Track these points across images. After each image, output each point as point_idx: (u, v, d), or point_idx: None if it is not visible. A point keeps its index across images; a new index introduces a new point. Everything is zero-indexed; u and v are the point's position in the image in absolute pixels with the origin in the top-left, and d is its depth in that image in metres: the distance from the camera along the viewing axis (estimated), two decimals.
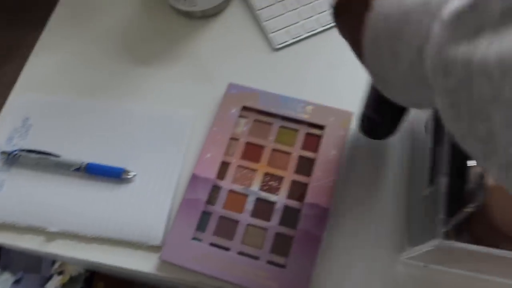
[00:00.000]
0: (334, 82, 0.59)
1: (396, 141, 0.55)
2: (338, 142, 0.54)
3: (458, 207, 0.33)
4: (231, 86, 0.58)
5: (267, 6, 0.64)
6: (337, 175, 0.52)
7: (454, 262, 0.47)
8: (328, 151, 0.54)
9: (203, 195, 0.52)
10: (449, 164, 0.34)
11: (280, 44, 0.62)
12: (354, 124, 0.56)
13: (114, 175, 0.54)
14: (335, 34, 0.64)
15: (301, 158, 0.54)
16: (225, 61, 0.62)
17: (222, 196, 0.53)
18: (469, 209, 0.32)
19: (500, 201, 0.30)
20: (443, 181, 0.34)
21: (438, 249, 0.35)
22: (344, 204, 0.52)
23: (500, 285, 0.47)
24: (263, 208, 0.52)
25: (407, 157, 0.54)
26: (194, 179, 0.53)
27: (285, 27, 0.63)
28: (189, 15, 0.65)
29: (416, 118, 0.54)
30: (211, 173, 0.53)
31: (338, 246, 0.50)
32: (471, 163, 0.32)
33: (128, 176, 0.54)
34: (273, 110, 0.56)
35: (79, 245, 0.52)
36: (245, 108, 0.57)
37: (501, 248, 0.32)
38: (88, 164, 0.54)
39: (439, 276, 0.48)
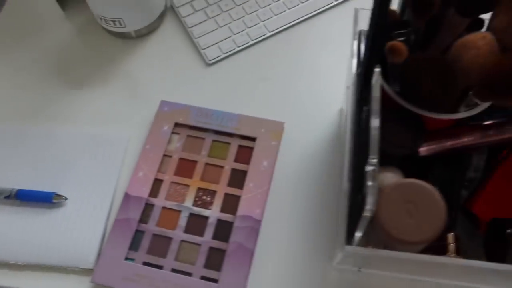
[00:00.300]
0: (265, 94, 0.60)
1: (327, 150, 0.56)
2: (269, 153, 0.55)
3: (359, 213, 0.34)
4: (163, 104, 0.59)
5: (199, 23, 0.65)
6: (268, 185, 0.53)
7: (383, 265, 0.48)
8: (259, 163, 0.54)
9: (136, 214, 0.52)
10: (351, 171, 0.35)
11: (212, 59, 0.63)
12: (286, 134, 0.57)
13: (45, 200, 0.53)
14: (265, 47, 0.66)
15: (233, 170, 0.55)
16: (159, 79, 0.63)
17: (155, 214, 0.52)
18: (366, 214, 0.33)
19: (386, 205, 0.30)
20: (344, 187, 0.34)
21: (348, 255, 0.36)
22: (276, 215, 0.53)
23: (431, 285, 0.48)
24: (196, 223, 0.52)
25: (338, 165, 0.55)
26: (127, 198, 0.53)
27: (217, 43, 0.63)
28: (123, 36, 0.66)
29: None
30: (143, 191, 0.53)
31: (272, 257, 0.50)
32: (368, 168, 0.33)
33: (60, 201, 0.53)
34: (205, 125, 0.57)
35: (11, 273, 0.51)
36: (177, 125, 0.57)
37: (399, 250, 0.33)
38: (18, 190, 0.53)
39: (372, 279, 0.49)
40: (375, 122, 0.34)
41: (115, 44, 0.66)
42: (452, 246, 0.40)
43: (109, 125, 0.59)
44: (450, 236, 0.40)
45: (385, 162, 0.40)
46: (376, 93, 0.35)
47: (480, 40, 0.34)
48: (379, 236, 0.34)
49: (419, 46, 0.39)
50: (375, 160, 0.32)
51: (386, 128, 0.37)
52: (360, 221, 0.33)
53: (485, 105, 0.39)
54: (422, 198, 0.30)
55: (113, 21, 0.62)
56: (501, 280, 0.40)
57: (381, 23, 0.34)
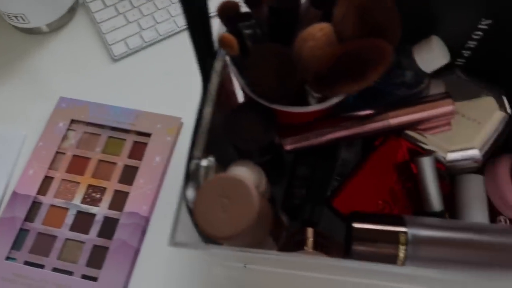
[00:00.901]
0: (167, 90, 0.59)
1: None
2: (163, 149, 0.54)
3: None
4: (61, 100, 0.57)
5: (109, 19, 0.64)
6: (160, 181, 0.52)
7: (263, 261, 0.47)
8: (152, 158, 0.53)
9: (21, 213, 0.51)
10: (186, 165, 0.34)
11: (118, 55, 0.62)
12: (185, 130, 0.56)
13: None
14: (173, 43, 0.65)
15: (126, 167, 0.53)
16: (64, 75, 0.62)
17: (42, 212, 0.51)
18: (180, 207, 0.32)
19: (201, 200, 0.29)
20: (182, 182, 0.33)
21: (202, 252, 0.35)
22: (167, 211, 0.51)
23: (313, 279, 0.48)
24: (83, 221, 0.51)
25: None
26: (14, 197, 0.52)
27: (125, 38, 0.62)
28: (32, 32, 0.64)
29: None
30: (32, 189, 0.52)
31: (159, 254, 0.49)
32: (192, 162, 0.32)
33: None
34: (102, 121, 0.56)
35: None
36: (74, 121, 0.56)
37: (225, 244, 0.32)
38: None
39: (257, 275, 0.48)
40: (206, 112, 0.34)
41: (23, 40, 0.64)
42: (310, 241, 0.39)
43: (6, 122, 0.58)
44: (309, 230, 0.39)
45: (248, 157, 0.39)
46: (212, 85, 0.35)
47: (318, 32, 0.33)
48: None
49: (273, 38, 0.38)
50: (198, 154, 0.32)
51: (237, 122, 0.37)
52: (175, 212, 0.32)
53: (337, 98, 0.38)
54: (236, 192, 0.29)
55: (15, 17, 0.61)
56: (359, 273, 0.39)
57: (199, 14, 0.33)
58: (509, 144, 0.42)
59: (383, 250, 0.35)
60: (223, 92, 0.39)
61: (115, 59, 0.62)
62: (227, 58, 0.38)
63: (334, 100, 0.37)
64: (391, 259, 0.35)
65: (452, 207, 0.42)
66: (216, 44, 0.36)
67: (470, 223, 0.40)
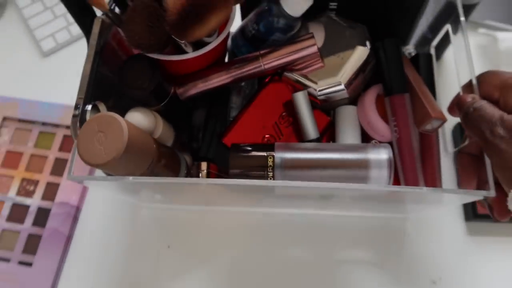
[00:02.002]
0: None
1: None
2: None
3: None
4: None
5: (37, 14, 0.66)
6: (88, 172, 0.56)
7: (177, 199, 0.54)
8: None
9: None
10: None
11: (47, 50, 0.64)
12: None
13: None
14: None
15: (57, 160, 0.57)
16: None
17: None
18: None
19: (82, 135, 0.35)
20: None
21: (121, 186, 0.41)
22: (95, 199, 0.56)
23: (224, 213, 0.55)
24: (18, 212, 0.55)
25: None
26: None
27: (53, 33, 0.64)
28: None
29: None
30: None
31: (90, 240, 0.54)
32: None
33: None
34: (32, 117, 0.59)
35: None
36: (6, 118, 0.59)
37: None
38: None
39: (178, 214, 0.55)
40: (87, 64, 0.39)
41: None
42: (204, 172, 0.45)
43: None
44: (203, 164, 0.46)
45: (144, 104, 0.44)
46: (92, 40, 0.40)
47: None
48: None
49: None
50: (80, 99, 0.38)
51: (126, 73, 0.42)
52: (72, 151, 0.39)
53: (210, 45, 0.42)
54: (110, 127, 0.35)
55: None
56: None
57: None
58: (378, 77, 0.48)
59: (255, 173, 0.41)
60: (117, 47, 0.44)
61: (45, 55, 0.64)
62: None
63: (206, 49, 0.42)
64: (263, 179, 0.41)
65: (333, 137, 0.50)
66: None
67: (331, 144, 0.48)
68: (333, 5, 0.48)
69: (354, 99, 0.49)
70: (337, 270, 0.52)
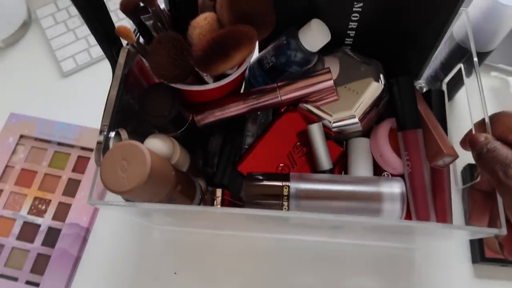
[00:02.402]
0: None
1: None
2: None
3: None
4: (11, 116, 0.61)
5: (59, 35, 0.68)
6: (101, 194, 0.57)
7: (188, 223, 0.54)
8: (93, 172, 0.57)
9: None
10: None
11: (67, 71, 0.65)
12: None
13: None
14: None
15: (70, 180, 0.58)
16: (15, 91, 0.65)
17: None
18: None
19: (106, 163, 0.36)
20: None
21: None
22: (108, 220, 0.56)
23: (235, 237, 0.55)
24: (29, 231, 0.55)
25: None
26: None
27: (74, 55, 0.66)
28: None
29: None
30: None
31: (98, 262, 0.54)
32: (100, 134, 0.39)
33: None
34: (48, 136, 0.60)
35: None
36: (23, 136, 0.60)
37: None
38: None
39: (189, 236, 0.55)
40: (112, 92, 0.41)
41: None
42: (218, 199, 0.45)
43: None
44: (218, 191, 0.46)
45: (164, 131, 0.45)
46: (118, 68, 0.42)
47: (202, 21, 0.39)
48: None
49: (175, 27, 0.43)
50: (104, 127, 0.39)
51: (148, 101, 0.43)
52: (93, 176, 0.40)
53: (230, 77, 0.43)
54: (133, 155, 0.35)
55: None
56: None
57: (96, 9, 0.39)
58: (391, 111, 0.49)
59: (270, 202, 0.42)
60: (140, 75, 0.46)
61: (65, 75, 0.66)
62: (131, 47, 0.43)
63: (226, 80, 0.43)
64: (278, 209, 0.41)
65: (345, 168, 0.50)
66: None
67: (344, 176, 0.48)
68: (348, 41, 0.49)
69: (367, 132, 0.50)
70: None
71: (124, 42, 0.43)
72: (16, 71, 0.67)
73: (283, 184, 0.41)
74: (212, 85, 0.43)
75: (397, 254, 0.54)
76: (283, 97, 0.46)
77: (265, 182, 0.42)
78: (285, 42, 0.46)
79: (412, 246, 0.54)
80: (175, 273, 0.53)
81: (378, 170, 0.50)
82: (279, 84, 0.46)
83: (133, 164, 0.35)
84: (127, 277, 0.53)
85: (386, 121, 0.49)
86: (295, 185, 0.41)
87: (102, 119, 0.40)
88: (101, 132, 0.39)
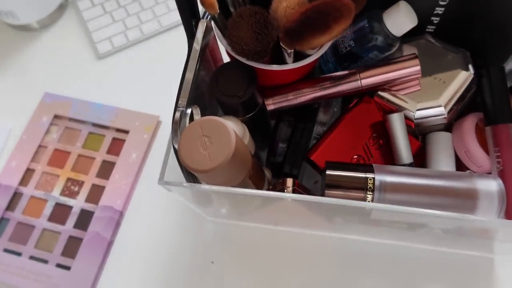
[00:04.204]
0: (148, 89, 0.61)
1: None
2: (140, 146, 0.56)
3: None
4: (46, 95, 0.60)
5: (96, 17, 0.66)
6: (135, 177, 0.54)
7: (246, 217, 0.51)
8: (129, 154, 0.55)
9: (3, 202, 0.53)
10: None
11: (103, 53, 0.64)
12: (163, 127, 0.58)
13: None
14: (156, 42, 0.68)
15: (104, 162, 0.56)
16: (51, 71, 0.64)
17: (23, 202, 0.54)
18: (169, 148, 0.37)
19: (185, 140, 0.33)
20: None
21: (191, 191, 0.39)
22: (142, 205, 0.54)
23: (292, 235, 0.51)
24: (60, 212, 0.53)
25: None
26: None
27: (110, 37, 0.65)
28: (23, 29, 0.67)
29: None
30: (13, 180, 0.54)
31: (131, 247, 0.51)
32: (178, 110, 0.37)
33: None
34: (83, 117, 0.58)
35: None
36: (57, 116, 0.59)
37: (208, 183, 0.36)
38: None
39: (243, 230, 0.52)
40: (190, 67, 0.38)
41: (14, 37, 0.67)
42: (289, 189, 0.42)
43: None
44: (289, 180, 0.42)
45: (233, 113, 0.42)
46: (196, 42, 0.39)
47: None
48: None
49: (254, 1, 0.40)
50: (183, 102, 0.37)
51: (221, 79, 0.41)
52: (165, 155, 0.37)
53: (312, 57, 0.40)
54: (216, 132, 0.33)
55: (6, 13, 0.63)
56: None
57: None
58: (476, 105, 0.45)
59: (352, 194, 0.38)
60: (209, 54, 0.43)
61: (100, 57, 0.64)
62: (211, 20, 0.41)
63: (307, 60, 0.40)
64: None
65: (423, 164, 0.46)
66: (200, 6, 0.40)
67: (431, 170, 0.44)
68: (430, 28, 0.46)
69: (447, 126, 0.46)
70: None
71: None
72: (51, 52, 0.65)
73: (368, 175, 0.38)
74: (292, 65, 0.40)
75: (473, 263, 0.49)
76: (364, 82, 0.43)
77: (348, 173, 0.39)
78: (367, 25, 0.43)
79: (490, 255, 0.49)
80: (212, 262, 0.50)
81: (459, 168, 0.45)
82: (359, 69, 0.43)
83: (217, 141, 0.32)
84: (161, 264, 0.50)
85: (472, 115, 0.45)
86: (380, 177, 0.38)
87: (179, 94, 0.37)
88: (177, 108, 0.36)
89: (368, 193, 0.37)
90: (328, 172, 0.39)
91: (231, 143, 0.32)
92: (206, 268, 0.50)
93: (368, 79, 0.43)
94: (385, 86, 0.44)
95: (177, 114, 0.36)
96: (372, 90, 0.45)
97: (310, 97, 0.44)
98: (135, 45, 0.65)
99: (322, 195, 0.38)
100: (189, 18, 0.39)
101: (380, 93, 0.45)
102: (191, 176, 0.38)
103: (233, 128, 0.38)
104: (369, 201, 0.37)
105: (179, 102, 0.37)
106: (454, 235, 0.45)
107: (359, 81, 0.43)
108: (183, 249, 0.51)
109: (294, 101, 0.44)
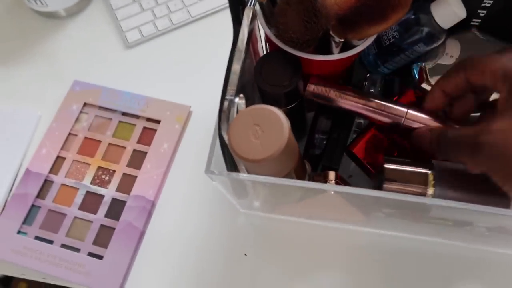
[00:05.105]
0: (178, 78, 0.61)
1: None
2: (171, 136, 0.55)
3: None
4: (75, 84, 0.59)
5: (124, 6, 0.65)
6: (166, 167, 0.54)
7: (282, 209, 0.51)
8: (160, 145, 0.55)
9: (34, 190, 0.53)
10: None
11: (132, 42, 0.63)
12: (194, 118, 0.57)
13: None
14: (186, 32, 0.67)
15: (135, 151, 0.55)
16: (79, 59, 0.63)
17: (54, 190, 0.53)
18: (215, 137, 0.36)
19: (235, 128, 0.32)
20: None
21: (232, 181, 0.38)
22: (173, 195, 0.53)
23: (326, 229, 0.50)
24: (91, 201, 0.53)
25: None
26: (27, 174, 0.54)
27: (139, 26, 0.64)
28: (51, 16, 0.66)
29: None
30: (44, 168, 0.54)
31: (163, 238, 0.51)
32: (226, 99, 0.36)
33: None
34: (113, 106, 0.57)
35: None
36: (86, 105, 0.58)
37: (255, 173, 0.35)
38: None
39: (276, 223, 0.51)
40: (236, 59, 0.37)
41: (42, 24, 0.66)
42: (331, 182, 0.42)
43: (22, 103, 0.60)
44: (331, 173, 0.42)
45: (274, 104, 0.40)
46: (243, 30, 0.38)
47: None
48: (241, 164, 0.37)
49: None
50: (232, 91, 0.35)
51: (265, 69, 0.40)
52: (211, 144, 0.36)
53: (359, 47, 0.39)
54: (268, 121, 0.32)
55: (34, 0, 0.62)
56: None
57: None
58: None
59: (412, 190, 0.37)
60: (249, 45, 0.42)
61: (129, 46, 0.64)
62: (256, 7, 0.40)
63: (354, 51, 0.39)
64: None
65: None
66: None
67: None
68: (475, 21, 0.45)
69: None
70: None
71: None
72: (80, 40, 0.65)
73: (430, 171, 0.37)
74: (339, 56, 0.39)
75: None
76: (405, 122, 0.40)
77: (408, 168, 0.38)
78: (413, 16, 0.42)
79: None
80: (245, 254, 0.49)
81: None
82: (410, 106, 0.40)
83: (269, 131, 0.31)
84: (194, 255, 0.50)
85: None
86: (441, 173, 0.37)
87: (229, 82, 0.36)
88: (224, 96, 0.35)
89: (428, 188, 0.36)
90: (386, 166, 0.38)
91: (284, 132, 0.31)
92: (239, 261, 0.49)
93: (412, 122, 0.40)
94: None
95: (226, 103, 0.36)
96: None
97: (348, 106, 0.42)
98: (164, 35, 0.64)
99: (380, 189, 0.37)
100: (237, 3, 0.38)
101: (423, 86, 0.44)
102: (233, 167, 0.38)
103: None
104: (430, 197, 0.36)
105: (227, 90, 0.36)
106: (497, 233, 0.44)
107: (402, 119, 0.40)
108: (216, 240, 0.51)
109: (334, 101, 0.42)
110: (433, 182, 0.36)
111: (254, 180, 0.36)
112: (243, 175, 0.36)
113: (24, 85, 0.62)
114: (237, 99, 0.36)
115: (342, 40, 0.38)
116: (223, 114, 0.35)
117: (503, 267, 0.48)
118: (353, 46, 0.40)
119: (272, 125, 0.32)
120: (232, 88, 0.36)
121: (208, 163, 0.36)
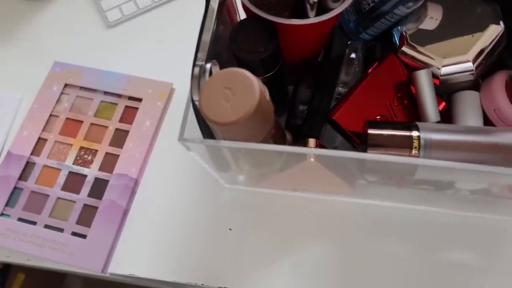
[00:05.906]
0: (160, 56, 0.60)
1: None
2: (153, 113, 0.54)
3: None
4: (55, 64, 0.58)
5: None
6: (149, 145, 0.53)
7: (265, 183, 0.50)
8: (142, 123, 0.54)
9: (16, 172, 0.52)
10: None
11: (113, 21, 0.62)
12: (177, 95, 0.57)
13: None
14: (167, 10, 0.65)
15: (117, 130, 0.54)
16: (59, 39, 0.62)
17: (36, 172, 0.53)
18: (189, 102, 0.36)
19: (206, 92, 0.31)
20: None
21: (210, 151, 0.38)
22: (157, 172, 0.53)
23: (311, 201, 0.50)
24: (74, 181, 0.52)
25: None
26: (8, 156, 0.53)
27: (119, 5, 0.63)
28: None
29: None
30: (26, 150, 0.53)
31: (147, 215, 0.51)
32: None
33: None
34: (94, 85, 0.57)
35: None
36: (67, 85, 0.57)
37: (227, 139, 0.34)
38: None
39: (261, 197, 0.51)
40: (208, 21, 0.37)
41: (21, 6, 0.65)
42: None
43: (2, 85, 0.59)
44: (311, 141, 0.41)
45: (252, 71, 0.39)
46: None
47: None
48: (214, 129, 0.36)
49: None
50: (203, 57, 0.35)
51: (241, 35, 0.39)
52: (184, 110, 0.36)
53: (335, 10, 0.39)
54: (239, 84, 0.31)
55: None
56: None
57: None
58: (503, 63, 0.44)
59: (397, 153, 0.36)
60: (226, 11, 0.41)
61: (110, 26, 0.62)
62: None
63: (331, 14, 0.38)
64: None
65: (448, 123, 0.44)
66: None
67: (472, 127, 0.42)
68: None
69: (473, 85, 0.44)
70: (437, 271, 0.46)
71: None
72: (60, 21, 0.64)
73: (413, 134, 0.36)
74: (314, 19, 0.38)
75: (501, 227, 0.47)
76: None
77: (390, 131, 0.37)
78: None
79: None
80: (230, 229, 0.49)
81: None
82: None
83: (240, 93, 0.31)
84: (178, 232, 0.49)
85: (501, 72, 0.43)
86: (426, 135, 0.36)
87: (200, 48, 0.36)
88: (196, 62, 0.35)
89: (413, 151, 0.35)
90: (370, 131, 0.37)
91: (255, 94, 0.31)
92: (224, 235, 0.49)
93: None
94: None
95: (196, 69, 0.35)
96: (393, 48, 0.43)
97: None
98: (146, 13, 0.63)
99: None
100: None
101: (403, 49, 0.43)
102: (210, 134, 0.37)
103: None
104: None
105: (198, 56, 0.35)
106: (480, 197, 0.43)
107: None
108: (200, 216, 0.50)
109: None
110: (417, 145, 0.36)
111: (228, 147, 0.35)
112: (216, 142, 0.35)
113: (4, 68, 0.61)
114: (209, 65, 0.36)
115: (315, 1, 0.36)
116: (194, 80, 0.35)
117: (490, 232, 0.47)
118: (331, 10, 0.39)
119: (243, 88, 0.31)
120: (203, 54, 0.36)
121: (181, 131, 0.35)
